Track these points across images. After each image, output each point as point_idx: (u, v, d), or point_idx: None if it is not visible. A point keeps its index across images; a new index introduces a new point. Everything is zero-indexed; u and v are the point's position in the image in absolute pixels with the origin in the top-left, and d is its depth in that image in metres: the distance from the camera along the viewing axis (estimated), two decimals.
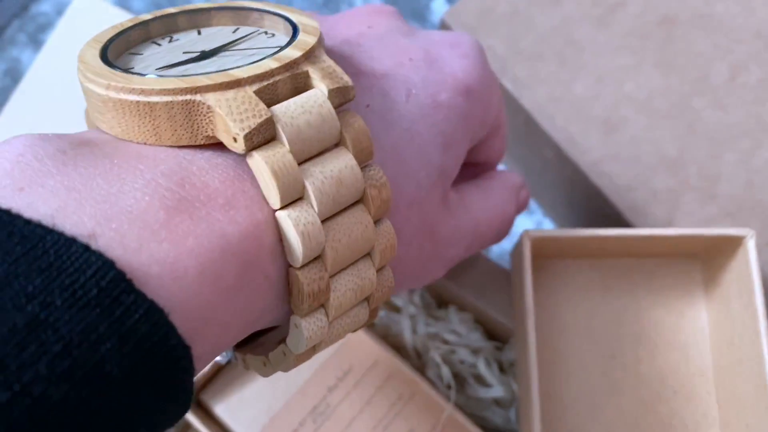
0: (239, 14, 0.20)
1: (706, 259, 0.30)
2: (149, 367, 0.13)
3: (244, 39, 0.19)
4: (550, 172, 0.35)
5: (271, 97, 0.16)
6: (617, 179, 0.32)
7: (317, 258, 0.17)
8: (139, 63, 0.18)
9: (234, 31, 0.20)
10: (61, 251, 0.13)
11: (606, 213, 0.32)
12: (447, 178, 0.22)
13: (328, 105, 0.17)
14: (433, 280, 0.24)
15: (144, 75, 0.17)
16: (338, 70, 0.17)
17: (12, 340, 0.12)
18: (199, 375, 0.30)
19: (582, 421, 0.28)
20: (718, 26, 0.34)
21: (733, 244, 0.27)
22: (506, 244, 0.39)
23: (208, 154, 0.16)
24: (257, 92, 0.16)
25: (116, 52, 0.18)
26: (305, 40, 0.18)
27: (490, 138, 0.25)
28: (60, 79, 0.38)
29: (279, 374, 0.31)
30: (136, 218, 0.14)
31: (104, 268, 0.13)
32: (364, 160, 0.18)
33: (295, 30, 0.19)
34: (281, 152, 0.16)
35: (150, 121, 0.16)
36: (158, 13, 0.20)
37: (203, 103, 0.16)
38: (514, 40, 0.34)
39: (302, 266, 0.17)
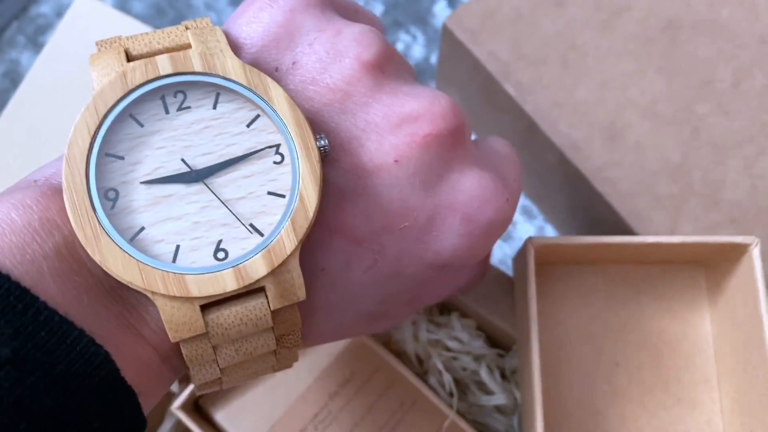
0: (262, 104, 0.19)
1: (710, 266, 0.29)
2: None
3: (250, 158, 0.18)
4: (552, 177, 0.35)
5: (218, 300, 0.18)
6: (620, 185, 0.32)
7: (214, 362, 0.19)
8: (131, 150, 0.18)
9: (249, 124, 0.19)
10: (75, 342, 0.16)
11: (609, 219, 0.32)
12: (380, 315, 0.23)
13: (267, 319, 0.18)
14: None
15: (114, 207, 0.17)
16: (297, 282, 0.18)
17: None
18: None
19: (585, 428, 0.28)
20: (723, 32, 0.33)
21: (737, 251, 0.27)
22: (508, 249, 0.39)
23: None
24: (204, 303, 0.17)
25: (120, 117, 0.18)
26: (285, 243, 0.18)
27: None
28: (60, 82, 0.37)
29: (280, 381, 0.31)
30: (127, 335, 0.18)
31: (105, 361, 0.16)
32: (287, 333, 0.19)
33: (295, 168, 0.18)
34: (203, 347, 0.18)
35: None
36: (180, 65, 0.18)
37: (152, 300, 0.17)
38: (517, 45, 0.34)
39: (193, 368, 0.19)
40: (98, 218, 0.17)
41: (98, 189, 0.17)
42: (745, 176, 0.31)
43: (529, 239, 0.27)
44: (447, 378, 0.31)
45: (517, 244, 0.39)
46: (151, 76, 0.18)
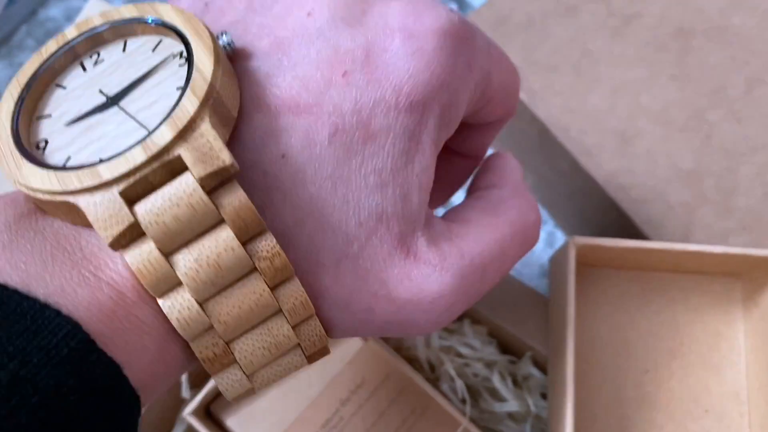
0: (160, 29, 0.19)
1: (747, 279, 0.29)
2: (108, 413, 0.16)
3: (155, 70, 0.19)
4: (563, 183, 0.35)
5: (142, 189, 0.17)
6: (633, 192, 0.32)
7: (210, 328, 0.18)
8: (57, 107, 0.19)
9: (154, 49, 0.19)
10: (36, 316, 0.15)
11: (621, 225, 0.32)
12: (395, 220, 0.19)
13: (199, 193, 0.17)
14: (420, 334, 0.21)
15: (45, 147, 0.18)
16: (216, 146, 0.17)
17: None
18: (210, 387, 0.29)
19: None
20: (735, 38, 0.33)
21: None
22: None
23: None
24: (127, 190, 0.17)
25: (41, 86, 0.19)
26: (186, 106, 0.17)
27: (483, 111, 0.22)
28: None
29: (291, 387, 0.30)
30: (89, 288, 0.16)
31: (73, 330, 0.15)
32: (250, 234, 0.17)
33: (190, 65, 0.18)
34: (147, 250, 0.17)
35: (49, 209, 0.18)
36: (84, 27, 0.19)
37: (76, 205, 0.17)
38: (529, 51, 0.34)
39: (193, 339, 0.18)
40: (23, 156, 0.17)
41: (30, 144, 0.18)
42: (757, 183, 0.31)
43: (572, 239, 0.27)
44: (459, 384, 0.31)
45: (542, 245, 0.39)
46: (61, 43, 0.19)
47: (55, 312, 0.15)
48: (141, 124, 0.18)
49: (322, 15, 0.19)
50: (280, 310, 0.18)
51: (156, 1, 0.20)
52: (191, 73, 0.18)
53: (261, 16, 0.19)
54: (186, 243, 0.17)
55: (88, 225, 0.17)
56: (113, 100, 0.19)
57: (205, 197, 0.17)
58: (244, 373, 0.19)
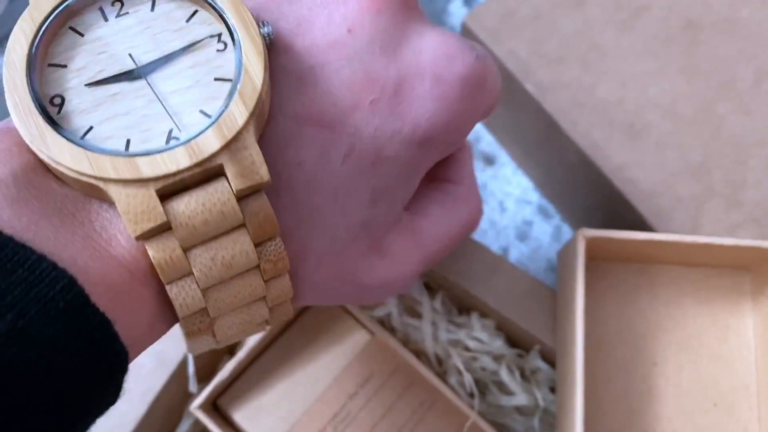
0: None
1: (756, 271, 0.29)
2: (99, 369, 0.16)
3: (191, 49, 0.18)
4: (571, 176, 0.35)
5: (175, 188, 0.17)
6: (641, 185, 0.32)
7: (203, 309, 0.19)
8: (72, 58, 0.18)
9: (188, 20, 0.18)
10: (33, 266, 0.15)
11: (629, 219, 0.32)
12: (376, 227, 0.21)
13: (232, 203, 0.17)
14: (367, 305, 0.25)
15: (62, 106, 0.17)
16: (258, 160, 0.17)
17: None
18: (217, 380, 0.29)
19: (619, 426, 0.28)
20: (743, 31, 0.33)
21: None
22: (524, 248, 0.39)
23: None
24: (161, 188, 0.17)
25: (55, 26, 0.18)
26: (235, 115, 0.17)
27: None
28: None
29: (299, 381, 0.30)
30: (101, 262, 0.17)
31: (69, 284, 0.15)
32: (264, 239, 0.18)
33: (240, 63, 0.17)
34: (171, 247, 0.17)
35: (65, 177, 0.17)
36: None
37: (105, 191, 0.16)
38: (536, 44, 0.34)
39: (186, 318, 0.18)
40: (44, 119, 0.16)
41: (43, 96, 0.17)
42: (766, 176, 0.31)
43: (580, 231, 0.27)
44: (468, 378, 0.30)
45: (534, 243, 0.38)
46: None
47: (51, 264, 0.15)
48: (170, 114, 0.17)
49: (363, 35, 0.19)
50: (265, 297, 0.19)
51: None
52: (240, 73, 0.17)
53: (298, 3, 0.19)
54: (205, 241, 0.17)
55: (102, 199, 0.17)
56: (143, 71, 0.18)
57: (236, 207, 0.17)
58: (215, 339, 0.20)
